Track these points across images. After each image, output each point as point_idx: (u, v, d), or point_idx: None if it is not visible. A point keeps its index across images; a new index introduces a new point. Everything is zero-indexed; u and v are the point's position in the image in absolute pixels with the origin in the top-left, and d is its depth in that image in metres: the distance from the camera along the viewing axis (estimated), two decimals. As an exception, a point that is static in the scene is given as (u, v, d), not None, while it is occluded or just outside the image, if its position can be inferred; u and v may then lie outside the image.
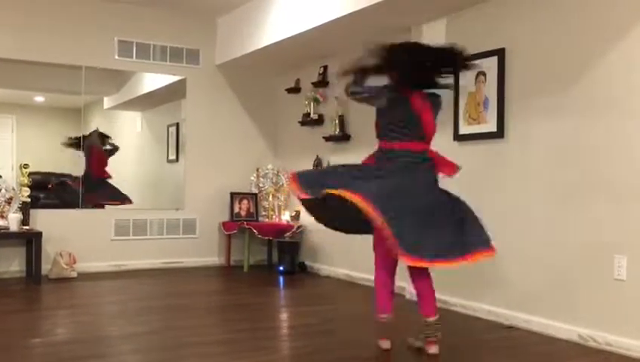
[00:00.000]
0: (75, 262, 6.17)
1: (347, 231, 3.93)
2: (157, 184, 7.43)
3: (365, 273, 5.82)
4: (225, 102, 7.29)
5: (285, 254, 6.69)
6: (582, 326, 3.88)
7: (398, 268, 3.65)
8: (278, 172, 7.21)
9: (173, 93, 7.13)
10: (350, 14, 4.96)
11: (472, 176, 4.56)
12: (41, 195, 6.43)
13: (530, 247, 4.23)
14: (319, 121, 6.70)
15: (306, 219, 6.72)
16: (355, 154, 5.96)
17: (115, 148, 6.96)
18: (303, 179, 3.62)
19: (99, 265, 6.54)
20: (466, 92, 4.71)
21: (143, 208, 6.91)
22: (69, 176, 6.73)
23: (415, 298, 3.74)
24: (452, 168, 3.62)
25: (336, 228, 3.89)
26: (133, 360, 3.56)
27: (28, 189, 5.96)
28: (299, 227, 6.83)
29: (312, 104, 6.77)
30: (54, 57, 6.36)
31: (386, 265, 3.61)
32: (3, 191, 5.98)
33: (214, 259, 7.19)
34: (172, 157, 7.32)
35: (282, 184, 7.07)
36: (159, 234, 6.92)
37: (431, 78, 3.65)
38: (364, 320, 4.26)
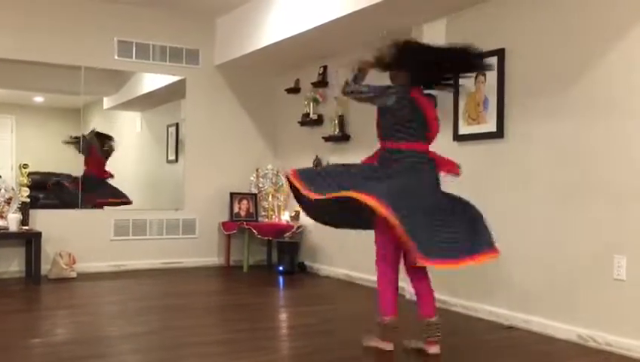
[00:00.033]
0: (74, 263, 6.17)
1: (337, 226, 3.98)
2: (156, 184, 7.42)
3: (365, 273, 5.82)
4: (224, 103, 7.29)
5: (285, 254, 6.69)
6: (581, 326, 3.88)
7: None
8: (277, 172, 7.21)
9: (172, 94, 7.13)
10: (350, 14, 4.95)
11: (471, 176, 4.56)
12: (41, 195, 6.43)
13: (529, 247, 4.23)
14: (319, 121, 6.70)
15: (306, 219, 6.73)
16: (355, 155, 5.97)
17: (110, 150, 6.95)
18: (304, 177, 3.61)
19: (98, 265, 6.53)
20: (465, 92, 4.71)
21: (142, 208, 6.91)
22: (66, 176, 6.73)
23: (415, 298, 3.73)
24: (455, 166, 3.62)
25: (325, 223, 3.91)
26: (132, 360, 3.56)
27: (27, 189, 5.96)
28: (298, 227, 6.83)
29: (311, 104, 6.77)
30: (54, 57, 6.36)
31: (392, 260, 3.56)
32: (2, 191, 5.98)
33: (214, 259, 7.18)
34: (172, 157, 7.32)
35: (282, 184, 7.06)
36: (159, 234, 6.92)
37: (444, 78, 3.67)
38: (364, 320, 4.26)
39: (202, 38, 7.08)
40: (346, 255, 6.22)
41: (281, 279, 6.40)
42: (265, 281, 6.31)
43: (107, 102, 7.17)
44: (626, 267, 3.66)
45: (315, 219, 3.92)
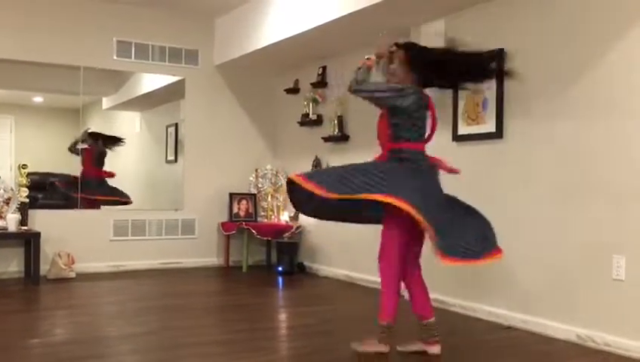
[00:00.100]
0: (73, 263, 6.17)
1: (330, 219, 3.95)
2: (156, 184, 7.42)
3: (364, 273, 5.82)
4: (224, 103, 7.28)
5: (284, 254, 6.69)
6: (580, 326, 3.88)
7: None
8: (277, 172, 7.21)
9: (172, 94, 7.12)
10: (349, 15, 4.95)
11: (470, 176, 4.56)
12: (40, 196, 6.43)
13: (528, 248, 4.23)
14: (318, 121, 6.70)
15: (305, 219, 6.74)
16: (354, 155, 5.99)
17: (104, 151, 6.95)
18: (312, 177, 3.57)
19: (97, 265, 6.53)
20: (464, 92, 4.71)
21: (141, 208, 6.91)
22: (63, 176, 6.73)
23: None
24: (451, 166, 3.62)
25: (319, 218, 3.90)
26: (131, 361, 3.56)
27: (26, 190, 5.95)
28: (298, 227, 6.83)
29: (310, 104, 6.77)
30: (53, 58, 6.36)
31: (400, 262, 3.50)
32: (1, 191, 5.97)
33: (213, 259, 7.18)
34: (171, 157, 7.32)
35: (281, 184, 7.06)
36: (158, 234, 6.92)
37: (458, 81, 3.69)
38: (363, 320, 4.25)
39: (201, 39, 7.07)
40: (346, 255, 6.22)
41: (280, 279, 6.40)
42: (264, 282, 6.31)
43: (106, 102, 7.17)
44: (625, 267, 3.66)
45: (314, 217, 3.89)
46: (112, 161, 6.98)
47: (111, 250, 6.64)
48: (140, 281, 6.17)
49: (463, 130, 4.81)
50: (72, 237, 6.33)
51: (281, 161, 7.39)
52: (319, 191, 3.36)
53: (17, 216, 5.86)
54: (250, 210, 7.21)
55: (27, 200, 5.96)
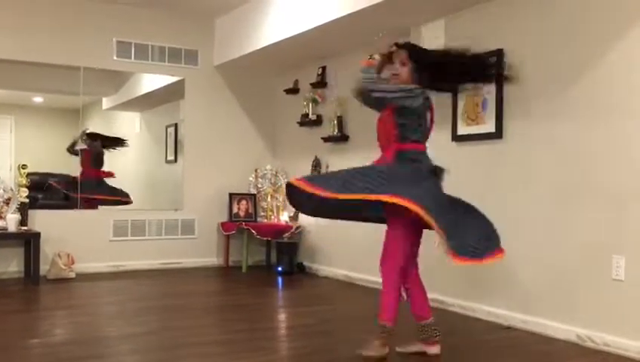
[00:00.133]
0: (73, 263, 6.17)
1: (330, 218, 3.94)
2: (155, 185, 7.43)
3: (364, 273, 5.82)
4: (223, 103, 7.29)
5: (284, 255, 6.69)
6: (580, 326, 3.88)
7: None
8: (276, 172, 7.21)
9: (171, 94, 7.13)
10: (349, 15, 4.96)
11: (470, 176, 4.57)
12: (40, 196, 6.43)
13: (528, 248, 4.23)
14: (318, 121, 6.70)
15: (305, 219, 6.74)
16: (354, 155, 6.00)
17: (101, 152, 6.95)
18: (315, 180, 3.55)
19: (97, 265, 6.53)
20: (464, 93, 4.71)
21: (141, 209, 6.91)
22: (64, 176, 6.73)
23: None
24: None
25: (319, 217, 3.89)
26: (131, 361, 3.56)
27: (26, 190, 5.96)
28: (297, 228, 6.84)
29: (310, 105, 6.77)
30: (53, 58, 6.36)
31: (404, 264, 3.48)
32: (1, 191, 5.97)
33: (213, 259, 7.18)
34: (171, 157, 7.32)
35: (280, 185, 7.06)
36: (158, 234, 6.92)
37: (458, 82, 3.70)
38: (363, 320, 4.26)
39: (201, 39, 7.08)
40: (345, 255, 6.22)
41: (280, 279, 6.40)
42: (264, 282, 6.31)
43: (106, 102, 7.18)
44: (624, 267, 3.66)
45: (314, 216, 3.89)
46: (112, 161, 6.99)
47: (111, 250, 6.64)
48: (139, 281, 6.17)
49: (462, 130, 4.81)
50: (72, 237, 6.34)
51: (280, 161, 7.39)
52: (322, 193, 3.33)
53: (17, 216, 5.87)
54: (250, 210, 7.21)
55: (27, 200, 5.97)
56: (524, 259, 4.24)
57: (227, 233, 7.00)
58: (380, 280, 3.54)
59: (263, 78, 7.46)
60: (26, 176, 5.98)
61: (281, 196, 7.08)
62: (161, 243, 6.91)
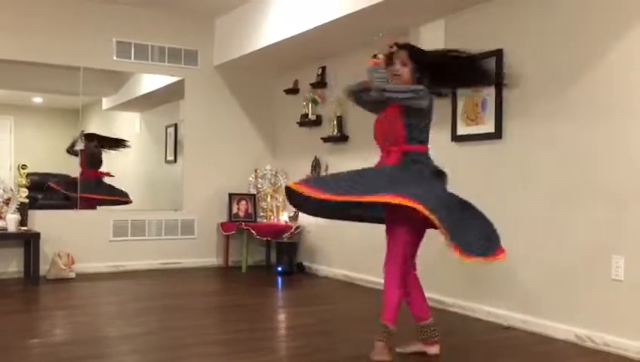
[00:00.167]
0: (73, 263, 6.17)
1: (330, 218, 3.94)
2: (155, 185, 7.43)
3: (364, 273, 5.82)
4: (223, 103, 7.29)
5: (283, 255, 6.69)
6: (579, 326, 3.89)
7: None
8: (276, 173, 7.22)
9: (171, 94, 7.13)
10: (349, 15, 4.95)
11: (469, 176, 4.57)
12: (39, 196, 6.43)
13: (527, 248, 4.23)
14: (317, 121, 6.70)
15: (305, 219, 6.74)
16: (353, 155, 6.00)
17: (99, 152, 6.95)
18: (313, 182, 3.55)
19: (97, 265, 6.53)
20: (464, 93, 4.71)
21: (141, 209, 6.91)
22: (64, 177, 6.73)
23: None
24: None
25: (320, 216, 3.89)
26: (131, 361, 3.56)
27: (26, 190, 5.96)
28: (297, 228, 6.84)
29: (310, 105, 6.77)
30: (52, 58, 6.36)
31: (407, 265, 3.48)
32: (1, 191, 5.97)
33: (213, 259, 7.18)
34: (170, 157, 7.32)
35: (280, 185, 7.06)
36: (157, 234, 6.92)
37: (457, 84, 3.71)
38: (363, 320, 4.26)
39: (201, 39, 7.08)
40: (345, 255, 6.22)
41: (279, 279, 6.40)
42: (264, 282, 6.31)
43: (106, 102, 7.18)
44: (624, 267, 3.66)
45: (315, 215, 3.88)
46: (112, 161, 6.99)
47: (110, 251, 6.64)
48: (139, 281, 6.17)
49: (462, 130, 4.81)
50: (72, 237, 6.34)
51: (280, 161, 7.40)
52: (321, 196, 3.30)
53: (17, 217, 5.87)
54: (250, 211, 7.21)
55: (27, 200, 5.97)
56: (523, 259, 4.24)
57: (227, 233, 7.00)
58: (381, 280, 3.54)
59: (263, 78, 7.46)
60: (26, 176, 5.99)
61: (281, 196, 7.08)
62: (160, 244, 6.91)
